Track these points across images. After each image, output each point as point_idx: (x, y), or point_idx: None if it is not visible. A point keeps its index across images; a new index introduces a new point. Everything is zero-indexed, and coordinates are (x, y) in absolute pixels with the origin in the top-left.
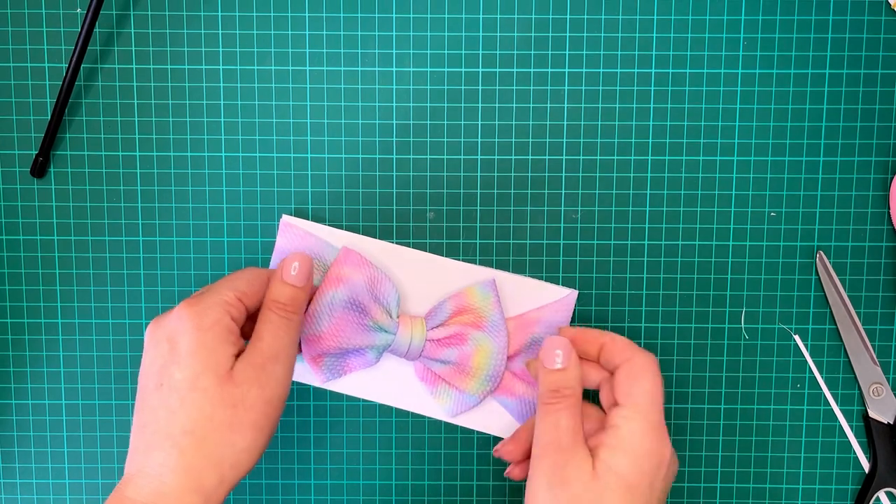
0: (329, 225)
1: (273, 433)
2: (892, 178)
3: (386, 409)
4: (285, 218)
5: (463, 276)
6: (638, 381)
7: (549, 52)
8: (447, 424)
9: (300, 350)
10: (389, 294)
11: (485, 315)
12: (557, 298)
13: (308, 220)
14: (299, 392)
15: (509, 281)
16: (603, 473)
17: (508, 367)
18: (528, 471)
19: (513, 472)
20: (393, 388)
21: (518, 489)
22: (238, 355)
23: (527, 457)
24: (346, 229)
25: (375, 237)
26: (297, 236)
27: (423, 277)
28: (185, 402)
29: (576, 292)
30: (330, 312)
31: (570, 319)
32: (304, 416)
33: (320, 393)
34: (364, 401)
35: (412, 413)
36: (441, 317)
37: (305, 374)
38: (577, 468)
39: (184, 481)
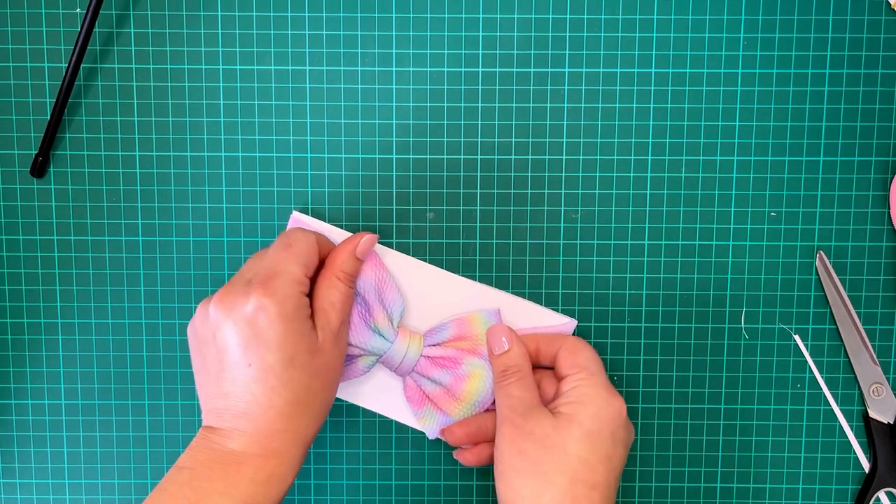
0: (331, 224)
1: None
2: (892, 178)
3: None
4: (295, 214)
5: (470, 297)
6: (579, 352)
7: (549, 52)
8: None
9: None
10: (395, 302)
11: (483, 342)
12: (556, 325)
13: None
14: None
15: (513, 305)
16: (565, 424)
17: None
18: (478, 457)
19: (462, 454)
20: (378, 400)
21: None
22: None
23: (472, 441)
24: (346, 229)
25: None
26: None
27: (429, 294)
28: (283, 379)
29: (574, 322)
30: None
31: None
32: None
33: None
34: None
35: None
36: (440, 337)
37: None
38: (536, 422)
39: (293, 438)
